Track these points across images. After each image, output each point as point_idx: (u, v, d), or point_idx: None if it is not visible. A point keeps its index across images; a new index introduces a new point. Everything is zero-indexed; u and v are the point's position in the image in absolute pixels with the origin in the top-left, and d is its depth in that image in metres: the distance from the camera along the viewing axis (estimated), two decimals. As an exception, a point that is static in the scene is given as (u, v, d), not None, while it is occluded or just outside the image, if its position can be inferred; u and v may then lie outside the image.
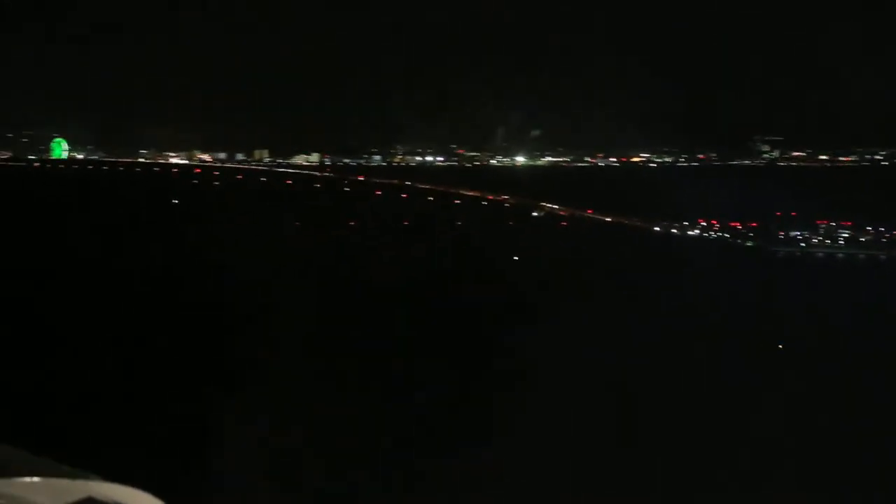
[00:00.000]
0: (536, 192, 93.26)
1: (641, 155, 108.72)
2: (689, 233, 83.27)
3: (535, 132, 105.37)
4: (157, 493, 2.44)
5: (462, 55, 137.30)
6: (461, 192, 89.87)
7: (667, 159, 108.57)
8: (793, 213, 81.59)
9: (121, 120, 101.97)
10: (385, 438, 35.77)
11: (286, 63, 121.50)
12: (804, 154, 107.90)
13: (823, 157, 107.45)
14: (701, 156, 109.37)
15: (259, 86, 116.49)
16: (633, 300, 63.72)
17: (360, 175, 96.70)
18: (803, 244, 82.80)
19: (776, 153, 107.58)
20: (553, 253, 77.16)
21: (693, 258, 78.77)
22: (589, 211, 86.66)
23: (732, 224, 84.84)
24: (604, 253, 78.09)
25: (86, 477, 2.24)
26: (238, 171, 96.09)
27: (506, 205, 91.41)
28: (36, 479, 2.08)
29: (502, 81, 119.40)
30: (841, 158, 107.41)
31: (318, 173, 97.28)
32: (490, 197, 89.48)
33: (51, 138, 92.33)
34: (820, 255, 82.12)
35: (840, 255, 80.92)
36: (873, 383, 46.71)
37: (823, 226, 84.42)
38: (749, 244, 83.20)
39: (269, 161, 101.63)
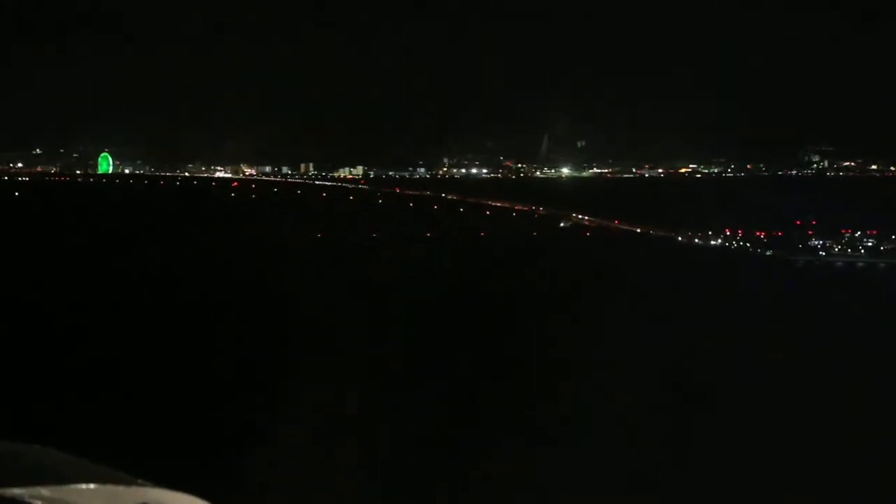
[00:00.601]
0: (572, 202, 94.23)
1: (689, 166, 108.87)
2: (712, 242, 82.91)
3: (581, 143, 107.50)
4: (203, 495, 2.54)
5: (511, 68, 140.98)
6: (491, 202, 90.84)
7: (714, 170, 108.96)
8: (813, 222, 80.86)
9: (169, 135, 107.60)
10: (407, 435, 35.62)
11: (334, 79, 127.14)
12: (854, 164, 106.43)
13: (874, 168, 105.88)
14: (749, 166, 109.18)
15: (307, 101, 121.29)
16: (642, 303, 63.61)
17: (397, 187, 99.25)
18: (823, 253, 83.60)
19: (825, 163, 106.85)
20: (574, 260, 77.46)
21: (709, 266, 79.39)
22: (616, 221, 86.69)
23: (757, 233, 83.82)
24: (621, 261, 78.96)
25: (139, 483, 2.33)
26: (276, 183, 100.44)
27: (535, 215, 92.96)
28: (91, 485, 2.15)
29: (551, 94, 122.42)
30: (892, 168, 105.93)
31: (349, 185, 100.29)
32: (518, 207, 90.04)
33: (98, 154, 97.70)
34: (839, 263, 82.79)
35: (860, 263, 79.82)
36: (864, 386, 45.73)
37: (847, 235, 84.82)
38: (768, 253, 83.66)
39: (314, 174, 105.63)
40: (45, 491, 1.91)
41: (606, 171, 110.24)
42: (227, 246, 75.44)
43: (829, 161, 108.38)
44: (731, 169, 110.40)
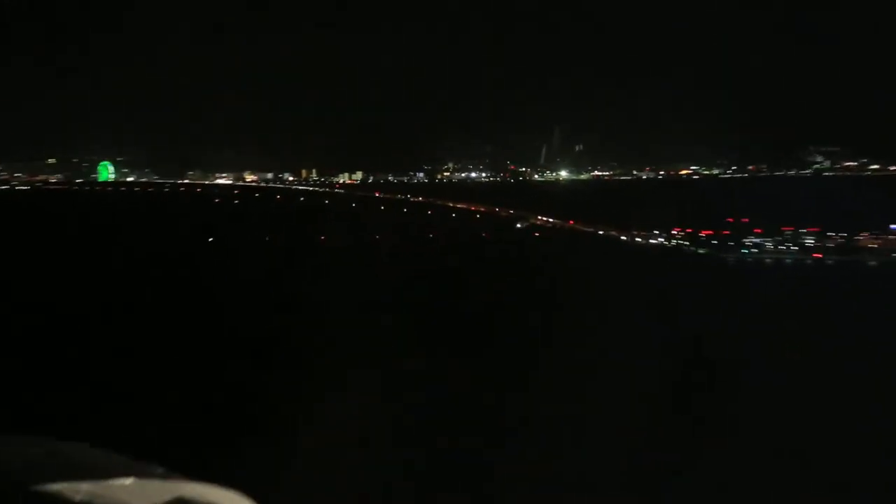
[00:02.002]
0: (550, 205, 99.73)
1: (690, 168, 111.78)
2: (652, 241, 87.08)
3: (579, 147, 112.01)
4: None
5: (512, 72, 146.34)
6: (456, 205, 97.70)
7: (714, 171, 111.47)
8: (743, 220, 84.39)
9: (172, 144, 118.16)
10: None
11: (334, 85, 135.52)
12: (855, 164, 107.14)
13: (874, 167, 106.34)
14: (751, 167, 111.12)
15: (308, 106, 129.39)
16: (548, 294, 69.07)
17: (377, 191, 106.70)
18: (755, 250, 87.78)
19: (827, 163, 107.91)
20: (512, 258, 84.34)
21: (636, 262, 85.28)
22: (570, 222, 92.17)
23: (703, 232, 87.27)
24: (564, 258, 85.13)
25: (175, 477, 2.36)
26: (262, 189, 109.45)
27: (499, 217, 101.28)
28: (128, 480, 2.21)
29: (552, 98, 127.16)
30: (891, 168, 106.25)
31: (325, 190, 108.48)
32: (482, 209, 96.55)
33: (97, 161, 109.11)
34: (768, 260, 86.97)
35: (788, 259, 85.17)
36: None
37: (790, 232, 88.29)
38: (701, 251, 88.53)
39: (315, 180, 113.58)
40: (84, 486, 2.07)
41: (604, 174, 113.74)
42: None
43: (831, 161, 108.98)
44: (731, 171, 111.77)
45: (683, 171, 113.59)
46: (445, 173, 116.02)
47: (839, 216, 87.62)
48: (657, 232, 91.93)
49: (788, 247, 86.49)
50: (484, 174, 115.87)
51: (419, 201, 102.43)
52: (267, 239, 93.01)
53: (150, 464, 2.36)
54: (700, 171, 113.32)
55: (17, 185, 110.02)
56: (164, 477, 2.26)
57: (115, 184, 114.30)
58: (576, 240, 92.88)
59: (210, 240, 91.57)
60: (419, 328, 52.68)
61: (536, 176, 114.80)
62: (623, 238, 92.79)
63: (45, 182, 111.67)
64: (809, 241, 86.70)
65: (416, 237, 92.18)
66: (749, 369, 47.82)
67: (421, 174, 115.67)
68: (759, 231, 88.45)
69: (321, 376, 40.14)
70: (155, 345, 49.96)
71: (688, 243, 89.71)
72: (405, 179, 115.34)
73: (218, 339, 51.53)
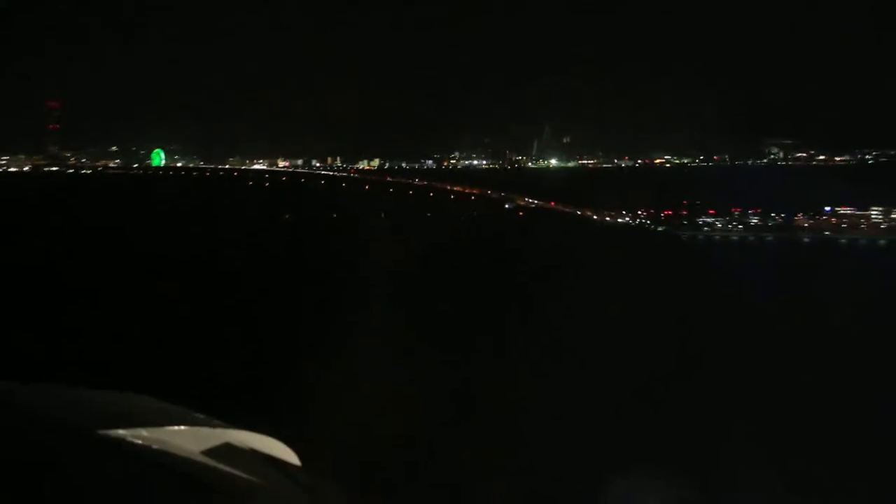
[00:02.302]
0: (538, 188, 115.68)
1: (664, 157, 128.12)
2: (619, 220, 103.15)
3: (566, 139, 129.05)
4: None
5: (514, 73, 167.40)
6: (453, 188, 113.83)
7: (684, 160, 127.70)
8: (697, 202, 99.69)
9: (215, 134, 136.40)
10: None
11: (358, 83, 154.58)
12: (805, 155, 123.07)
13: (822, 157, 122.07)
14: (716, 157, 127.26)
15: (334, 103, 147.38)
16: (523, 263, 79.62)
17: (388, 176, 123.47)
18: (707, 229, 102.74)
19: (781, 154, 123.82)
20: (499, 232, 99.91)
21: (607, 237, 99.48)
22: (552, 203, 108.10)
23: (666, 212, 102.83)
24: (542, 233, 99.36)
25: (221, 425, 2.57)
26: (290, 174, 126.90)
27: (489, 199, 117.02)
28: (182, 427, 2.40)
29: (548, 94, 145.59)
30: (836, 158, 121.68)
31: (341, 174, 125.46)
32: (476, 192, 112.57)
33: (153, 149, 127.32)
34: (717, 237, 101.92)
35: (735, 237, 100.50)
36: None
37: (737, 213, 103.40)
38: (660, 229, 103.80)
39: (339, 166, 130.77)
40: (144, 432, 2.24)
41: (589, 162, 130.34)
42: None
43: (784, 152, 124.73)
44: (698, 161, 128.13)
45: (658, 160, 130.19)
46: (452, 161, 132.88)
47: (783, 199, 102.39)
48: (625, 212, 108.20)
49: (735, 225, 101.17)
50: (485, 162, 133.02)
51: (423, 184, 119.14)
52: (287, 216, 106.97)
53: (198, 413, 2.73)
54: (672, 160, 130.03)
55: (82, 170, 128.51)
56: (212, 425, 2.59)
57: (166, 168, 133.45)
58: (554, 218, 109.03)
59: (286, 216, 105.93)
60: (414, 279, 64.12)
61: (530, 164, 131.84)
62: (595, 217, 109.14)
63: (106, 166, 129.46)
64: (754, 221, 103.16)
65: (416, 216, 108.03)
66: (687, 326, 52.99)
67: (430, 161, 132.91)
68: (713, 212, 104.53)
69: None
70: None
71: (649, 222, 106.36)
72: (416, 166, 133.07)
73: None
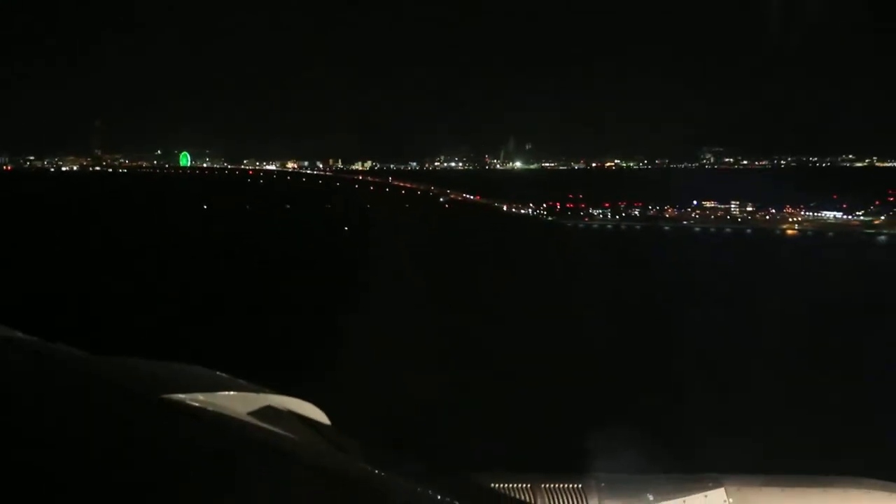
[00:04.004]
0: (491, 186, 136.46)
1: (614, 161, 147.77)
2: (521, 211, 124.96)
3: (528, 146, 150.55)
4: None
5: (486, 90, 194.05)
6: (404, 184, 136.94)
7: (630, 164, 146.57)
8: (580, 196, 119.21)
9: (231, 140, 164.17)
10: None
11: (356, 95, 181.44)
12: (731, 160, 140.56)
13: (745, 162, 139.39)
14: (657, 161, 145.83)
15: (334, 111, 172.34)
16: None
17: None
18: (587, 219, 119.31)
19: (712, 159, 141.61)
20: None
21: (504, 223, 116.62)
22: (477, 196, 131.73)
23: (568, 205, 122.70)
24: (455, 219, 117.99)
25: (263, 390, 2.78)
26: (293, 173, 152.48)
27: (426, 193, 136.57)
28: (232, 392, 2.64)
29: (515, 108, 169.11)
30: (756, 163, 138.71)
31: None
32: (420, 188, 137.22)
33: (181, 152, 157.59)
34: (595, 226, 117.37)
35: (609, 226, 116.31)
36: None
37: (622, 206, 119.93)
38: (550, 219, 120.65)
39: (339, 168, 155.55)
40: (199, 396, 2.47)
41: (549, 164, 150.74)
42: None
43: (715, 158, 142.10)
44: (641, 164, 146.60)
45: (608, 164, 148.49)
46: (436, 163, 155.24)
47: (678, 195, 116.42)
48: (531, 205, 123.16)
49: (614, 216, 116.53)
50: (461, 164, 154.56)
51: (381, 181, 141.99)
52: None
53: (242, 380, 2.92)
54: (620, 164, 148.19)
55: (120, 169, 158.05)
56: (256, 390, 2.77)
57: (192, 167, 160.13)
58: (470, 209, 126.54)
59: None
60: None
61: (499, 166, 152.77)
62: (503, 208, 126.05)
63: (140, 166, 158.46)
64: (635, 213, 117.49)
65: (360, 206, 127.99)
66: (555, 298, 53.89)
67: (414, 163, 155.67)
68: (606, 205, 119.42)
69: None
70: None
71: (545, 213, 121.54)
72: (402, 167, 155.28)
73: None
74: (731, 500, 4.46)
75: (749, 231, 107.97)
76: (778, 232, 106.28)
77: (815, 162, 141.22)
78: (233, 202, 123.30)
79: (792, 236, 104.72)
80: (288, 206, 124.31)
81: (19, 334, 3.25)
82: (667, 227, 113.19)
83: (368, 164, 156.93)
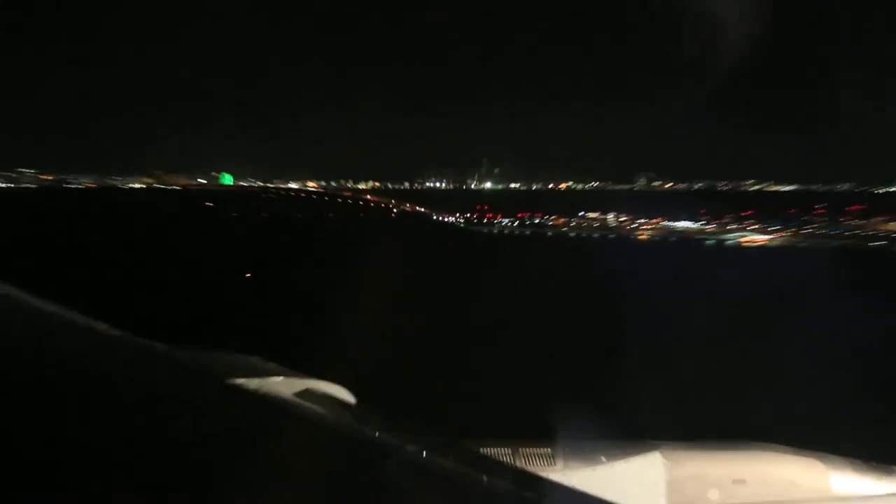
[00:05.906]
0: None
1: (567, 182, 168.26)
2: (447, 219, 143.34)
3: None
4: None
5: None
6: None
7: (577, 186, 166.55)
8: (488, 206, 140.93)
9: None
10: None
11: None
12: (660, 182, 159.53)
13: (671, 184, 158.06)
14: (603, 182, 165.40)
15: None
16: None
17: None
18: (500, 227, 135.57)
19: (645, 182, 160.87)
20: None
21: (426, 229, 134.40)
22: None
23: (488, 215, 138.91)
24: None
25: (302, 375, 2.82)
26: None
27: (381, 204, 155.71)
28: (279, 378, 2.69)
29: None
30: (678, 186, 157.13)
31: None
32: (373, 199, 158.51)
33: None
34: (506, 232, 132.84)
35: (528, 232, 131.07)
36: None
37: (525, 217, 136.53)
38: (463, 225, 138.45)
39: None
40: (254, 381, 2.55)
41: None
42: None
43: (648, 180, 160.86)
44: (592, 186, 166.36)
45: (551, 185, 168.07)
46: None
47: None
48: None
49: (515, 224, 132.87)
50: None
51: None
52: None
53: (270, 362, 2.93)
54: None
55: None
56: (298, 375, 2.83)
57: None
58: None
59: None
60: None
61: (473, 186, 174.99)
62: (436, 218, 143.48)
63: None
64: (536, 221, 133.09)
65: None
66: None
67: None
68: (520, 215, 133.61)
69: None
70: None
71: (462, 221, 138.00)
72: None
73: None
74: (665, 461, 4.93)
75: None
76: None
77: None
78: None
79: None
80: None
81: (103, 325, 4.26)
82: (549, 234, 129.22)
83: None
